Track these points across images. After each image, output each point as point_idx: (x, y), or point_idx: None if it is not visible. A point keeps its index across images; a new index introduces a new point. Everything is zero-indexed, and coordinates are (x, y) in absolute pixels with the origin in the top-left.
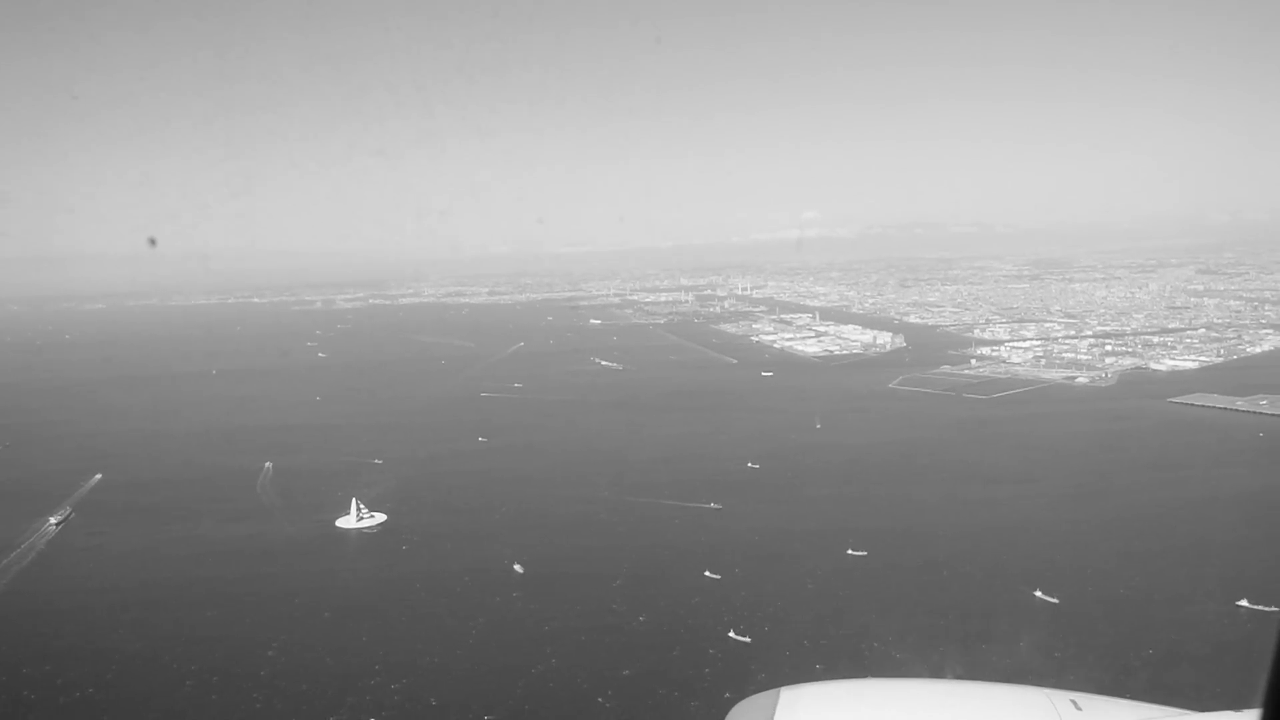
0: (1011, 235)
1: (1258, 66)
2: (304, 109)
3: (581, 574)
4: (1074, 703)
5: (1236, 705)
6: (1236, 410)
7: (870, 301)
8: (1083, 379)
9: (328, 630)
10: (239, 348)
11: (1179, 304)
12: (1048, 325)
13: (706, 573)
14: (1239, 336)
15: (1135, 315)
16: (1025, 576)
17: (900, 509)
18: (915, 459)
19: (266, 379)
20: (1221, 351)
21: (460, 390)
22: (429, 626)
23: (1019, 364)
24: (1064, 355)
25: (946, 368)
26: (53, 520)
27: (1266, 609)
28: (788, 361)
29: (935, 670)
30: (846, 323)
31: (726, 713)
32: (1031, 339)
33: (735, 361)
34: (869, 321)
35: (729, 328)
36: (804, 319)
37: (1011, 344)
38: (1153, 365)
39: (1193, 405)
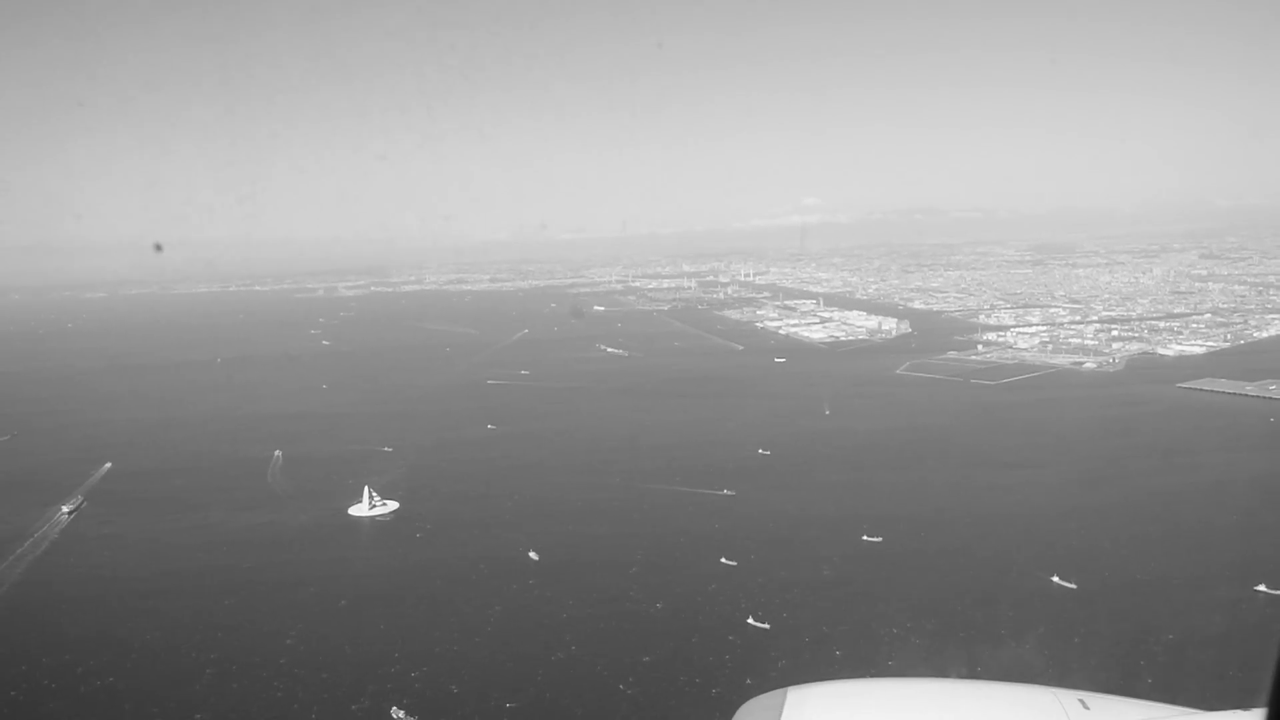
0: (1013, 220)
1: (1258, 53)
2: (309, 114)
3: (597, 561)
4: (1082, 702)
5: (1245, 703)
6: (1246, 395)
7: (873, 287)
8: (1090, 364)
9: (345, 619)
10: (242, 336)
11: (1183, 289)
12: (1053, 310)
13: (722, 559)
14: (1245, 321)
15: (1140, 300)
16: (1041, 562)
17: (913, 494)
18: (926, 445)
19: (272, 367)
20: (1228, 336)
21: (466, 377)
22: (447, 614)
23: (1026, 349)
24: (1070, 340)
25: (953, 353)
26: (65, 509)
27: None
28: (794, 347)
29: (957, 659)
30: (851, 308)
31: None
32: (1037, 324)
33: (741, 348)
34: (873, 307)
35: (733, 314)
36: (808, 305)
37: (1017, 329)
38: (1160, 350)
39: (1202, 390)
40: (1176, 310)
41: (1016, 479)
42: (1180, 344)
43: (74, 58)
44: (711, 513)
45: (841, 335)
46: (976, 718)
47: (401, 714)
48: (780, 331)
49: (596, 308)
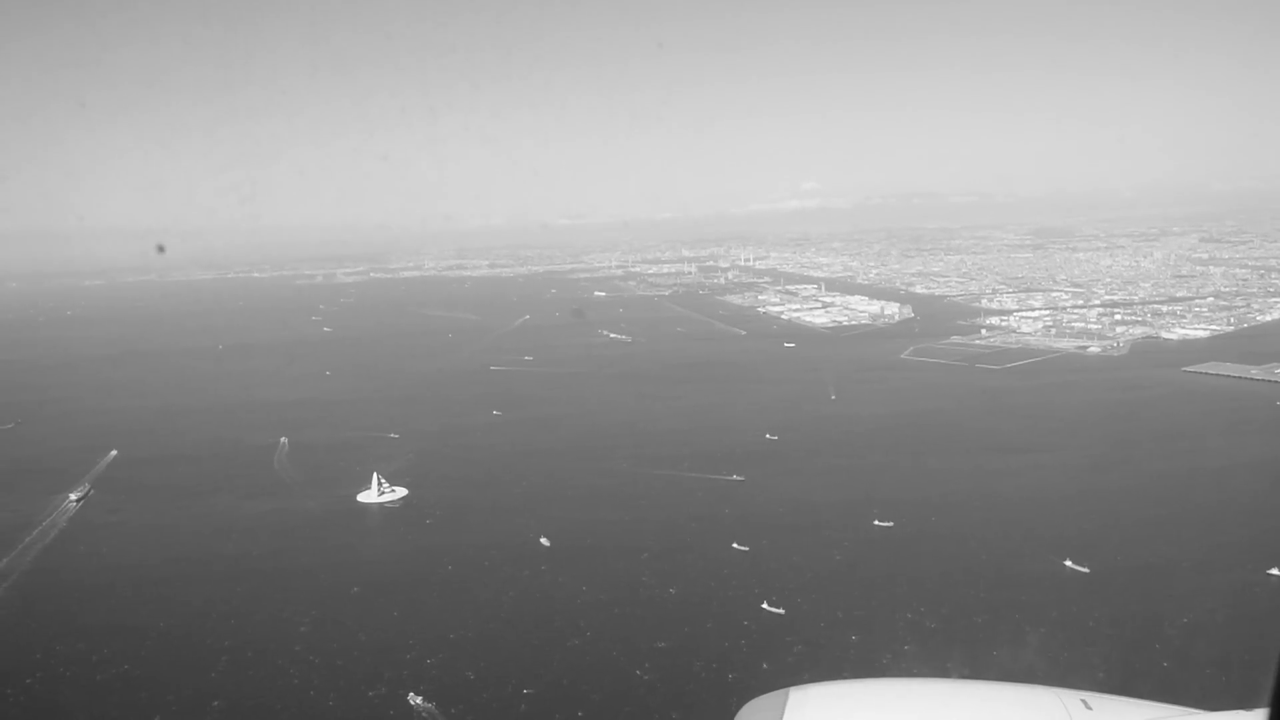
0: (1011, 204)
1: (1254, 37)
2: (310, 115)
3: (609, 547)
4: (1084, 702)
5: (1248, 703)
6: (1251, 379)
7: (874, 272)
8: (1095, 348)
9: (358, 606)
10: (243, 323)
11: (1184, 273)
12: (1055, 295)
13: (734, 544)
14: (1248, 305)
15: (1142, 284)
16: (1053, 546)
17: (922, 479)
18: (933, 430)
19: (273, 354)
20: (1232, 320)
21: (470, 363)
22: (460, 601)
23: (1029, 334)
24: (1074, 325)
25: (957, 338)
26: (73, 497)
27: None
28: (796, 333)
29: (975, 645)
30: (853, 293)
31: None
32: (1040, 309)
33: (744, 333)
34: (875, 292)
35: (735, 299)
36: (809, 290)
37: (1020, 314)
38: (1164, 334)
39: (1207, 374)
40: (1178, 294)
41: (1025, 463)
42: (1184, 328)
43: (75, 63)
44: (721, 498)
45: (844, 320)
46: (979, 718)
47: (419, 700)
48: (783, 317)
49: (597, 293)
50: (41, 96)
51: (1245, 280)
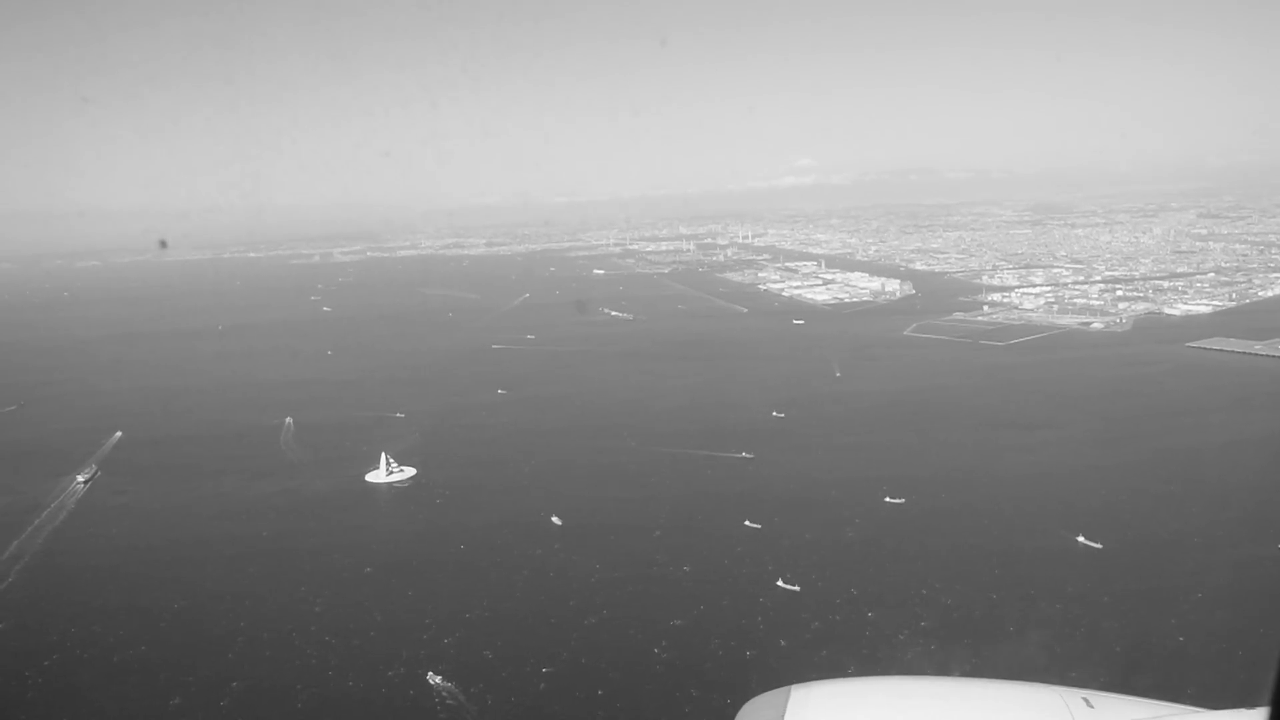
0: (1007, 180)
1: (1247, 12)
2: (313, 111)
3: (620, 525)
4: (1086, 700)
5: (1249, 701)
6: (1255, 354)
7: (873, 249)
8: (1098, 324)
9: (372, 586)
10: (241, 303)
11: (1184, 248)
12: (1055, 271)
13: (746, 522)
14: (1249, 280)
15: (1142, 260)
16: (1065, 521)
17: (932, 456)
18: (939, 406)
19: (274, 334)
20: (1233, 295)
21: (472, 342)
22: (474, 580)
23: (1032, 310)
24: (1075, 301)
25: (959, 315)
26: (80, 478)
27: None
28: (798, 309)
29: (992, 622)
30: (852, 270)
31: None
32: (1041, 285)
33: (745, 310)
34: (875, 269)
35: (734, 276)
36: (809, 267)
37: (1022, 290)
38: (1166, 310)
39: (1211, 350)
40: (1179, 270)
41: (1033, 440)
42: (1186, 303)
43: (77, 56)
44: (731, 475)
45: (845, 297)
46: (980, 716)
47: (439, 680)
48: (783, 294)
49: (596, 271)
50: (41, 84)
51: (1245, 255)
